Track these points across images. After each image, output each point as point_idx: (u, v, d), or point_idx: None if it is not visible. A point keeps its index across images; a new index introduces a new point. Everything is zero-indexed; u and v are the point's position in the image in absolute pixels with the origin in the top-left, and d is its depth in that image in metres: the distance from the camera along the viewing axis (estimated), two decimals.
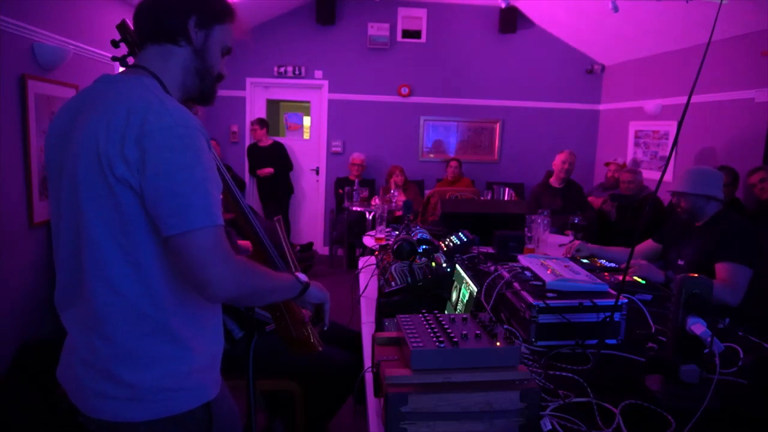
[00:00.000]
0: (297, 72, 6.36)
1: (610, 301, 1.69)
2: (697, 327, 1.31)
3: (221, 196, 1.09)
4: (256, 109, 6.49)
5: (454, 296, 1.84)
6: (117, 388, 1.08)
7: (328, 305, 1.44)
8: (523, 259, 2.11)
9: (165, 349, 1.10)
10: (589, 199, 5.06)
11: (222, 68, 1.26)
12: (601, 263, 2.67)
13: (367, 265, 2.71)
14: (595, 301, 1.69)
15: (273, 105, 6.95)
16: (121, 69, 1.24)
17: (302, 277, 1.34)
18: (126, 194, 1.03)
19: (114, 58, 1.28)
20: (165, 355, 1.10)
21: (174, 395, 1.11)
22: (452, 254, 2.53)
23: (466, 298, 1.69)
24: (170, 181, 1.00)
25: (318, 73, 6.41)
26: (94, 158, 1.03)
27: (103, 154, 1.02)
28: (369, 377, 1.43)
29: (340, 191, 5.90)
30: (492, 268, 2.29)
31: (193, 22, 1.17)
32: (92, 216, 1.05)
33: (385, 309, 1.87)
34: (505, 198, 4.34)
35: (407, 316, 1.33)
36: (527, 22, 6.44)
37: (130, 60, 1.25)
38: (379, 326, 1.78)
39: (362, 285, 2.41)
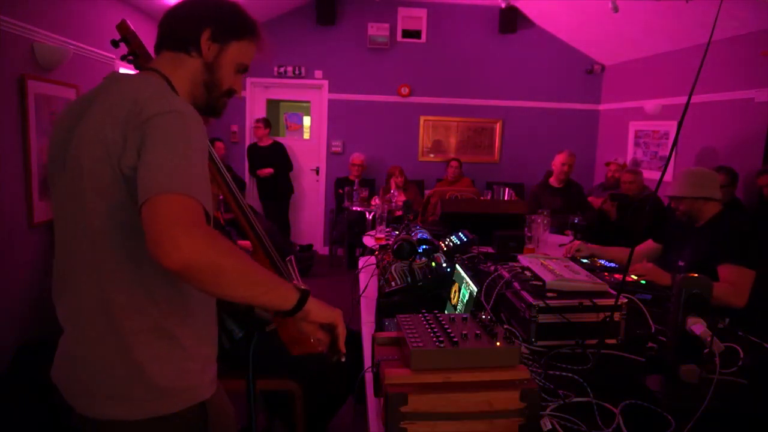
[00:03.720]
0: (297, 72, 6.36)
1: (610, 301, 1.69)
2: (697, 327, 1.31)
3: (210, 191, 1.05)
4: (256, 109, 6.50)
5: (454, 296, 1.84)
6: (109, 387, 1.08)
7: (342, 327, 1.18)
8: (523, 259, 2.11)
9: (159, 347, 1.10)
10: (589, 199, 5.06)
11: (235, 84, 1.25)
12: (601, 263, 2.67)
13: (367, 265, 2.71)
14: (595, 301, 1.69)
15: (273, 105, 6.95)
16: (124, 68, 1.24)
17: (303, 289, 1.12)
18: (132, 186, 1.01)
19: (123, 57, 1.29)
20: (159, 354, 1.10)
21: (166, 395, 1.10)
22: (452, 254, 2.53)
23: (466, 298, 1.69)
24: (154, 154, 0.97)
25: (318, 73, 6.41)
26: (102, 150, 1.03)
27: (111, 145, 1.02)
28: (369, 377, 1.43)
29: (340, 191, 5.90)
30: (492, 268, 2.29)
31: (207, 34, 1.17)
32: (95, 208, 1.05)
33: (385, 309, 1.87)
34: (505, 198, 4.34)
35: (407, 316, 1.33)
36: (527, 22, 6.44)
37: (130, 60, 1.25)
38: (379, 326, 1.78)
39: (362, 285, 2.41)
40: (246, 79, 6.25)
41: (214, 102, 1.24)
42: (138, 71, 1.21)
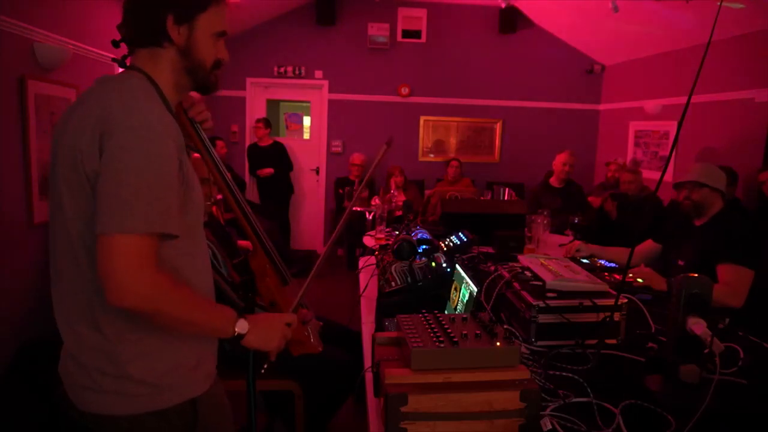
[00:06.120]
0: (297, 72, 6.35)
1: (610, 302, 1.69)
2: (697, 327, 1.31)
3: (176, 205, 1.06)
4: (256, 109, 6.49)
5: (454, 296, 1.84)
6: (102, 382, 1.10)
7: (271, 356, 1.25)
8: (523, 259, 2.11)
9: (149, 344, 1.12)
10: (589, 198, 5.06)
11: (219, 53, 1.20)
12: (601, 263, 2.67)
13: (367, 265, 2.71)
14: (595, 301, 1.69)
15: (273, 105, 6.94)
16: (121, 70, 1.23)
17: (241, 326, 1.14)
18: (95, 191, 1.03)
19: (114, 60, 1.28)
20: (145, 352, 1.12)
21: (157, 390, 1.12)
22: (452, 254, 2.53)
23: (466, 298, 1.69)
24: (114, 181, 0.99)
25: (318, 73, 6.41)
26: (71, 157, 1.04)
27: (77, 150, 1.03)
28: (369, 377, 1.43)
29: (340, 191, 5.89)
30: (492, 268, 2.29)
31: (171, 20, 1.12)
32: (70, 213, 1.07)
33: (385, 309, 1.87)
34: (505, 198, 4.34)
35: (407, 316, 1.33)
36: (527, 22, 6.43)
37: (129, 61, 1.25)
38: (379, 326, 1.78)
39: (362, 285, 2.41)
40: (246, 79, 6.25)
41: (204, 81, 1.20)
42: (123, 70, 1.20)
